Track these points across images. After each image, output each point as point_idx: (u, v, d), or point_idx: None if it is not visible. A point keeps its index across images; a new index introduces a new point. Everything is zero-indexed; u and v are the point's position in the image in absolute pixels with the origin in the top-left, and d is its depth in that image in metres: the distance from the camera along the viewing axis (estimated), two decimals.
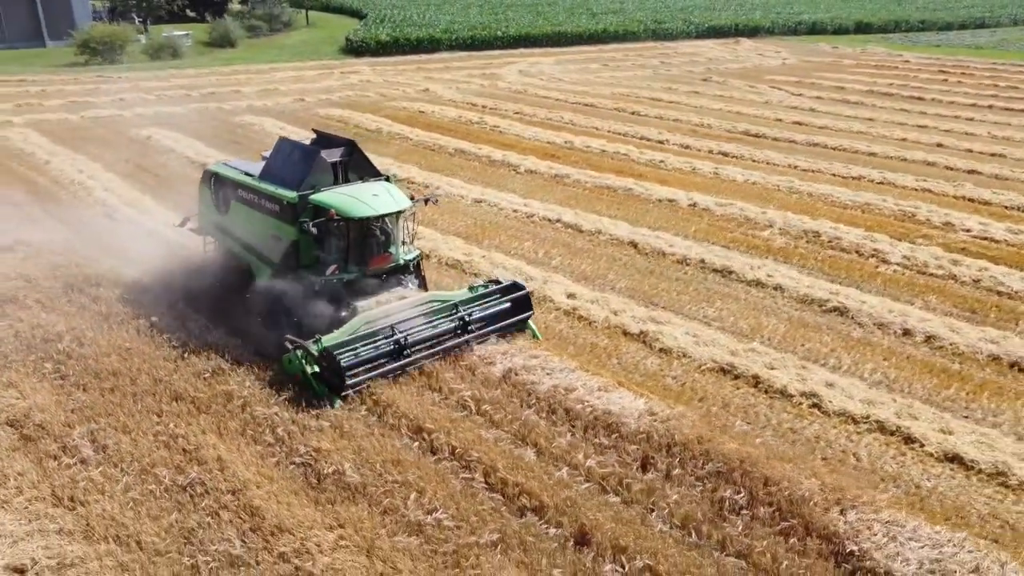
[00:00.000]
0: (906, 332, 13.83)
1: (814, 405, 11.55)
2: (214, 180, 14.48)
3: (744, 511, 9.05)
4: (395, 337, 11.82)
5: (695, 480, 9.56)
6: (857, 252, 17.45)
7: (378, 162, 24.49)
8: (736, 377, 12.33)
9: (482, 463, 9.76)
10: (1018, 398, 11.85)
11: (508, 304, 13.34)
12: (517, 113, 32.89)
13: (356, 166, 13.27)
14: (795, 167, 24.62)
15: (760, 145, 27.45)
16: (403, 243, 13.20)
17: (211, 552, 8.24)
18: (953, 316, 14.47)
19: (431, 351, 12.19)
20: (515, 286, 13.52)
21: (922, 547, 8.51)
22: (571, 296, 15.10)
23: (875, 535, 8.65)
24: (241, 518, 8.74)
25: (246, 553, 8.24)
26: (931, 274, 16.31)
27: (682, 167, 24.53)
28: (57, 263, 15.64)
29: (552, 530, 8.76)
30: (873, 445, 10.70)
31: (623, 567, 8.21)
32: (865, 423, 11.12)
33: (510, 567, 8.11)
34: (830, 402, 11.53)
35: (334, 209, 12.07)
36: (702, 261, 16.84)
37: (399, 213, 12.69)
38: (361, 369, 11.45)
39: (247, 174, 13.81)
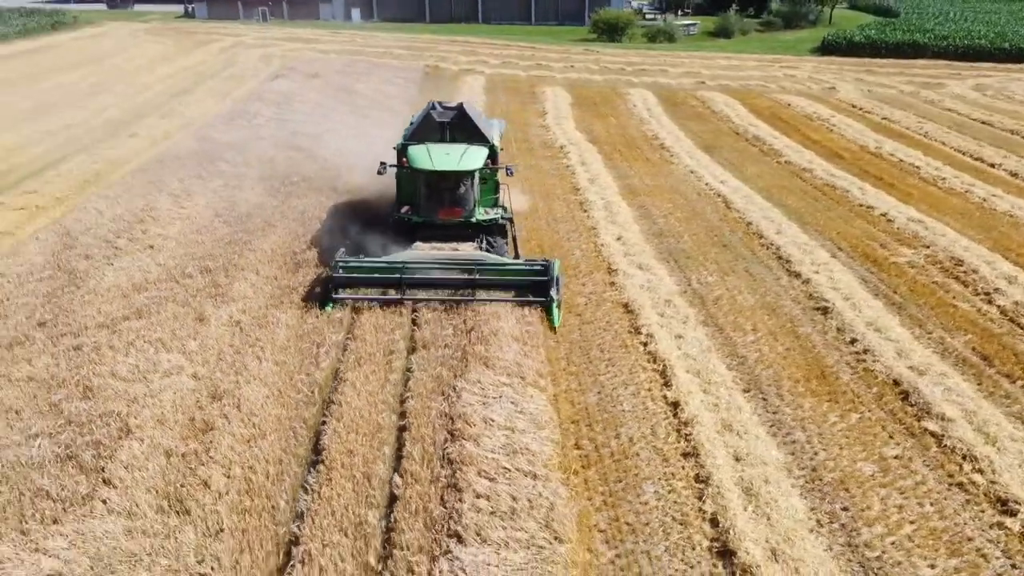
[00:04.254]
0: (839, 330, 13.45)
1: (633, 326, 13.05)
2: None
3: None
4: (397, 273, 13.55)
5: None
6: (961, 280, 15.57)
7: (673, 132, 27.96)
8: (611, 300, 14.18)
9: None
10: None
11: (528, 280, 13.78)
12: (884, 119, 31.42)
13: (463, 129, 15.24)
14: None
15: None
16: (490, 203, 15.25)
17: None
18: (920, 334, 13.42)
19: (431, 296, 13.47)
20: (542, 269, 13.76)
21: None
22: (618, 239, 17.62)
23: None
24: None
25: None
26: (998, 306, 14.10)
27: (956, 187, 22.06)
28: (322, 149, 22.90)
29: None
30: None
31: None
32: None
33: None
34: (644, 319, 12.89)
35: (406, 158, 14.74)
36: (777, 248, 17.15)
37: (461, 173, 14.36)
38: (351, 289, 13.53)
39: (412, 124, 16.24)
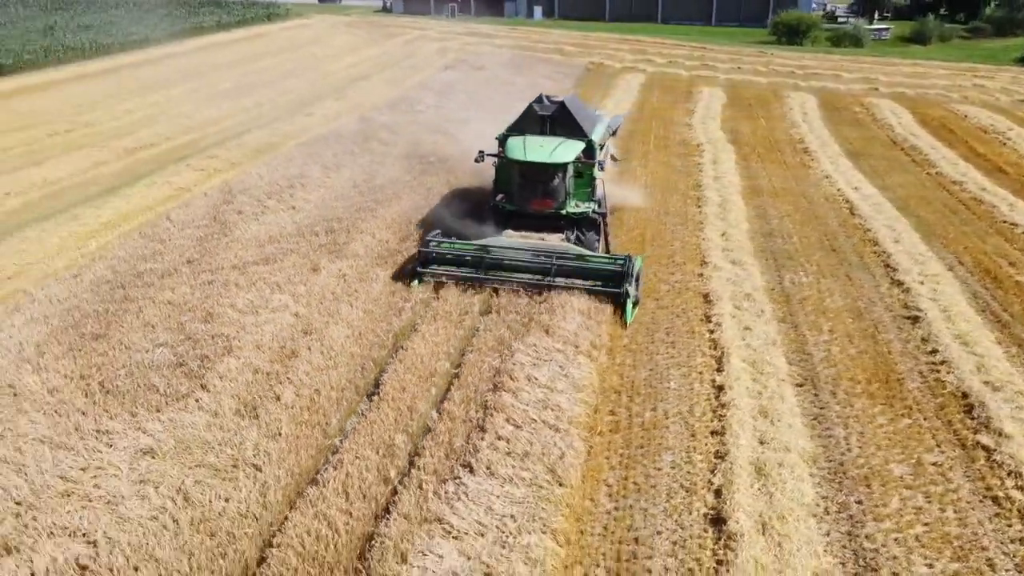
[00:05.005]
0: (923, 340, 12.88)
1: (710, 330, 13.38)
2: None
3: None
4: (479, 256, 14.27)
5: None
6: None
7: (822, 137, 27.09)
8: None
9: None
10: None
11: (605, 275, 13.97)
12: None
13: (563, 123, 15.60)
14: None
15: None
16: (584, 197, 15.62)
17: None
18: (1016, 352, 12.43)
19: (510, 279, 14.07)
20: (621, 265, 13.86)
21: None
22: (722, 235, 17.78)
23: None
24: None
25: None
26: None
27: None
28: (464, 134, 23.93)
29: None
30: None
31: None
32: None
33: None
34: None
35: (503, 149, 15.36)
36: (888, 257, 16.60)
37: (552, 166, 14.82)
38: (440, 267, 14.43)
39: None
